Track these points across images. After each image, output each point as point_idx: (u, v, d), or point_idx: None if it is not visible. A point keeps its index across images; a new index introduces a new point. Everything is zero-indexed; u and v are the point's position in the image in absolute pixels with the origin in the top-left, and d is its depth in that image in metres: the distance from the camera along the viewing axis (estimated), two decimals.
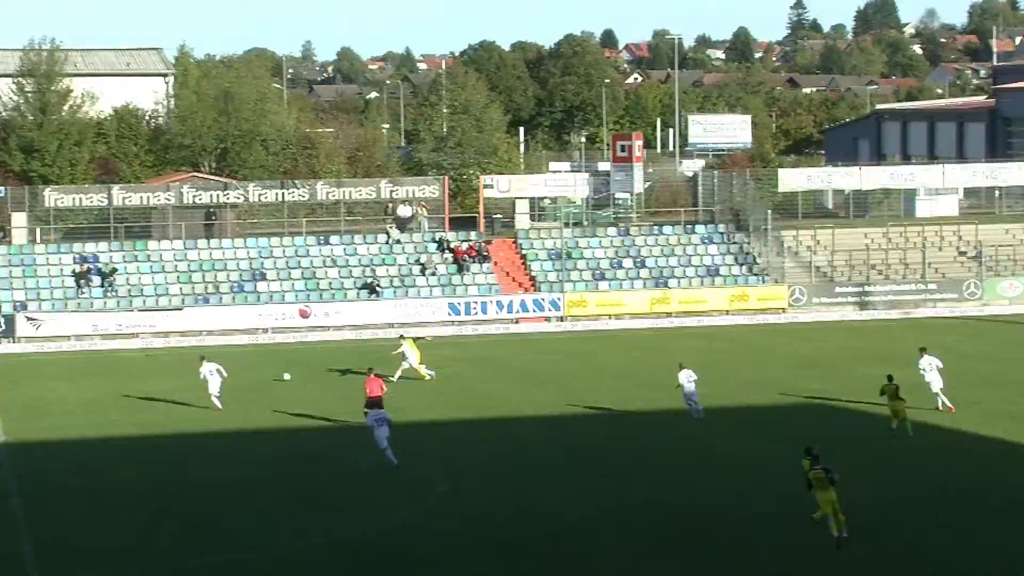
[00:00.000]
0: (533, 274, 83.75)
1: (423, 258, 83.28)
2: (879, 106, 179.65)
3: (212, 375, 56.32)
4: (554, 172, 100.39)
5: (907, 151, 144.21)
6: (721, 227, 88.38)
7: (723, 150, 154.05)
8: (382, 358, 69.17)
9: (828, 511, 35.71)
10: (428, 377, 61.41)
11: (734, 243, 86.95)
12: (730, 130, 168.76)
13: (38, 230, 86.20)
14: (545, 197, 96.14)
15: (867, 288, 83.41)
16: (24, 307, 76.59)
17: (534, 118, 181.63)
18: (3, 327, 74.49)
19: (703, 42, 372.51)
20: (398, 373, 60.98)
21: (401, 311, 78.90)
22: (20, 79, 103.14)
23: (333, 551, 37.15)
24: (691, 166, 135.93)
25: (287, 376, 61.68)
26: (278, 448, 49.59)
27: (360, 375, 55.59)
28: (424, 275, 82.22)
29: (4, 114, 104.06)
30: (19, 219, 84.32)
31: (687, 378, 52.58)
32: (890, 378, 49.43)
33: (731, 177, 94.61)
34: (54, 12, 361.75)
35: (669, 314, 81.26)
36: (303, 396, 59.17)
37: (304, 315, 77.73)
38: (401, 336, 65.07)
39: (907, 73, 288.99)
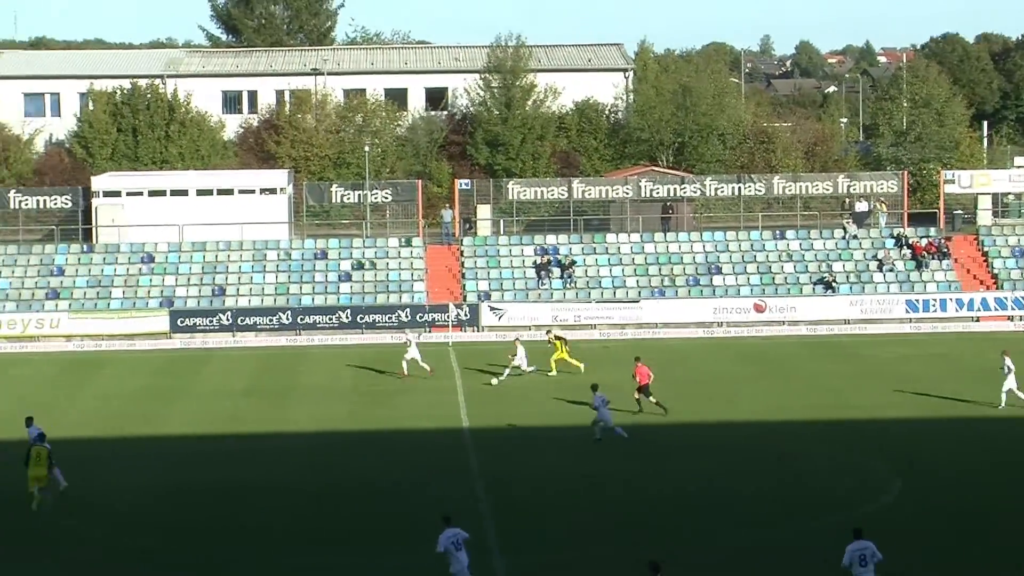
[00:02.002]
0: (995, 272, 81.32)
1: (880, 254, 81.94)
2: None
3: (411, 346, 63.25)
4: (1020, 167, 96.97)
5: None
6: None
7: None
8: (837, 354, 68.71)
9: None
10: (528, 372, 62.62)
11: None
12: None
13: (501, 222, 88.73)
14: (1010, 193, 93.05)
15: None
16: (488, 297, 79.01)
17: (999, 112, 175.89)
18: (468, 316, 76.99)
19: None
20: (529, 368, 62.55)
21: (857, 307, 77.81)
22: (487, 75, 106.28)
23: (796, 543, 37.10)
24: None
25: (494, 382, 61.41)
26: (737, 442, 49.74)
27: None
28: (881, 271, 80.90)
29: (471, 109, 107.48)
30: (484, 211, 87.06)
31: (1010, 366, 53.48)
32: None
33: None
34: (520, 10, 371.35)
35: None
36: (759, 391, 59.16)
37: (759, 309, 77.56)
38: (518, 338, 66.74)
39: None
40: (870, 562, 31.24)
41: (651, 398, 53.68)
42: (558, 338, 64.62)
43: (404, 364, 63.56)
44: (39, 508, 41.98)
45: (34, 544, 38.88)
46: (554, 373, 62.83)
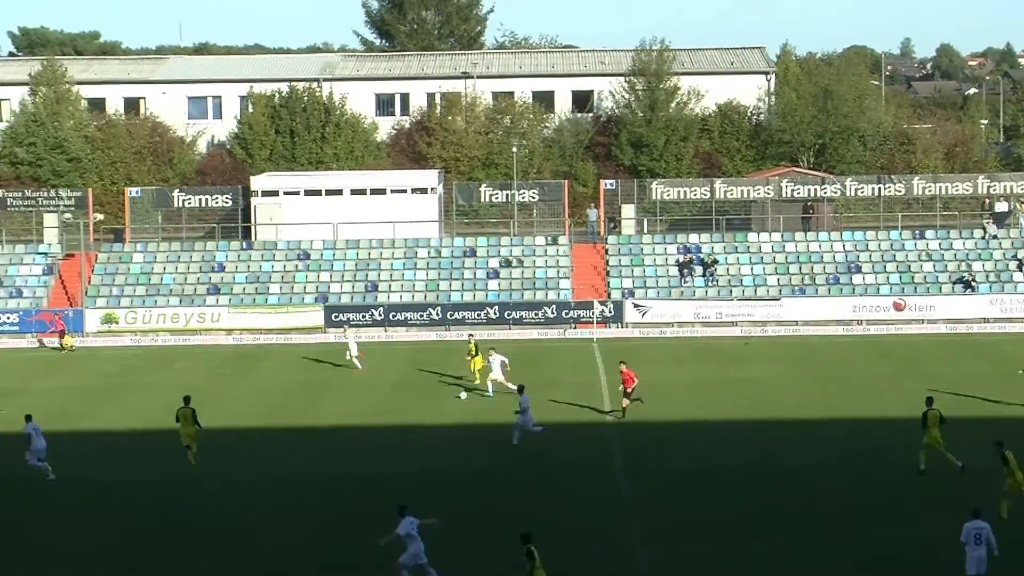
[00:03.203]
0: None
1: (1020, 254, 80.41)
2: None
3: (350, 341, 62.58)
4: None
5: None
6: None
7: None
8: (976, 352, 67.57)
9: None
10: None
11: None
12: None
13: (645, 221, 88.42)
14: None
15: None
16: (631, 294, 78.78)
17: None
18: (612, 312, 76.83)
19: None
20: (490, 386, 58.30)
21: (997, 307, 76.46)
22: (632, 78, 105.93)
23: (933, 541, 36.59)
24: None
25: (463, 395, 58.39)
26: (879, 438, 49.11)
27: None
28: (1021, 271, 79.38)
29: (616, 111, 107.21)
30: (628, 211, 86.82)
31: None
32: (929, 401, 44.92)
33: None
34: (664, 14, 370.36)
35: None
36: (898, 388, 58.33)
37: (898, 308, 76.55)
38: (492, 349, 60.30)
39: None
40: (984, 542, 32.29)
41: (631, 399, 52.76)
42: (475, 346, 61.28)
43: (356, 360, 65.03)
44: (196, 462, 45.93)
45: (198, 530, 39.44)
46: (478, 381, 60.00)
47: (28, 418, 46.84)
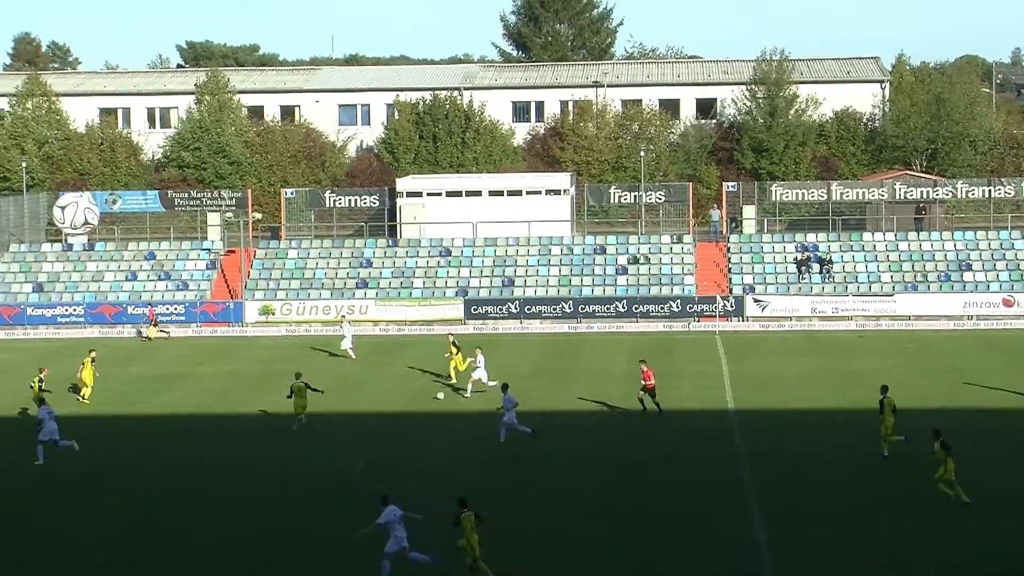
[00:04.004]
0: None
1: None
2: None
3: (346, 331, 58.39)
4: None
5: None
6: None
7: None
8: None
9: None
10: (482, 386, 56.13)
11: None
12: None
13: (765, 221, 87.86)
14: None
15: None
16: (752, 290, 78.32)
17: None
18: (733, 307, 76.44)
19: None
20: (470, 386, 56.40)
21: None
22: (753, 86, 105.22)
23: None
24: None
25: (440, 396, 56.54)
26: (992, 429, 48.37)
27: None
28: None
29: (738, 118, 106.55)
30: (749, 211, 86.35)
31: None
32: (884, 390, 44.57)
33: None
34: (783, 25, 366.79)
35: None
36: (998, 380, 57.33)
37: (1008, 304, 75.33)
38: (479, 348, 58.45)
39: None
40: None
41: (655, 399, 51.36)
42: (455, 345, 59.82)
43: (350, 351, 65.61)
44: (298, 428, 49.03)
45: (350, 509, 39.82)
46: (455, 382, 58.55)
47: (41, 402, 47.67)
